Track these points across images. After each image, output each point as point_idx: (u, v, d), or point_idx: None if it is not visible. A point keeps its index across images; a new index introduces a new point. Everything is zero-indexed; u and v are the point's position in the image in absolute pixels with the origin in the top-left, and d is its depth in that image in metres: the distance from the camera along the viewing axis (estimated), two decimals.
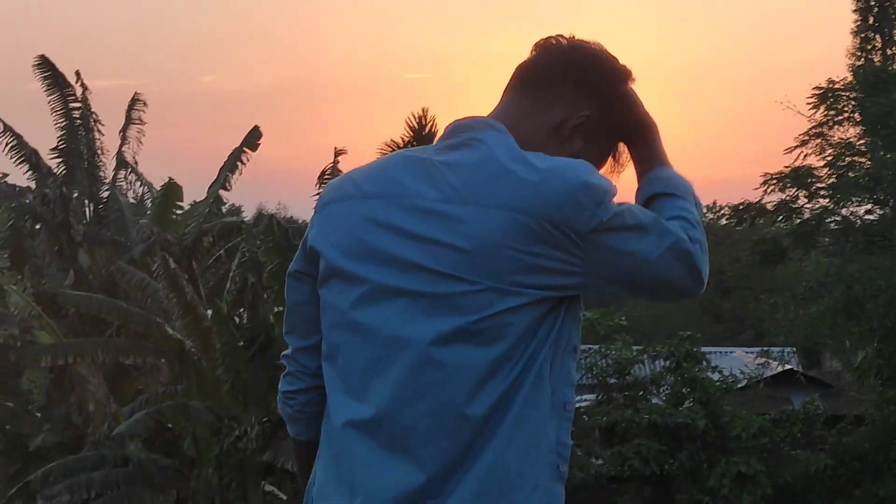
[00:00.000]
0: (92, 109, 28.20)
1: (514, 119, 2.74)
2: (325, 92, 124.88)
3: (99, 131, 28.45)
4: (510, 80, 2.85)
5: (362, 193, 2.72)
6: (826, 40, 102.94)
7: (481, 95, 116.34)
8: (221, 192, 26.85)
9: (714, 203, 63.46)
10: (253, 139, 27.06)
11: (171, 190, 26.89)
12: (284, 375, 2.99)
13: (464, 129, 2.71)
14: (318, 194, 21.41)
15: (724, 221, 48.34)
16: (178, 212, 27.28)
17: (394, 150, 32.09)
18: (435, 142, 2.77)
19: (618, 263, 2.60)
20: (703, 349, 31.61)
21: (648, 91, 2.90)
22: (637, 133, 2.90)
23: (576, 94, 2.78)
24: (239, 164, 26.74)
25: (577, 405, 31.37)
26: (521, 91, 2.82)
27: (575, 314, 2.69)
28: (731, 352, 39.91)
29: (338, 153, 23.37)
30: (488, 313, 2.53)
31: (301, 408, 2.97)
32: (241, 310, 23.22)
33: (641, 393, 29.64)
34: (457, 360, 2.55)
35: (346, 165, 23.63)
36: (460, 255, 2.53)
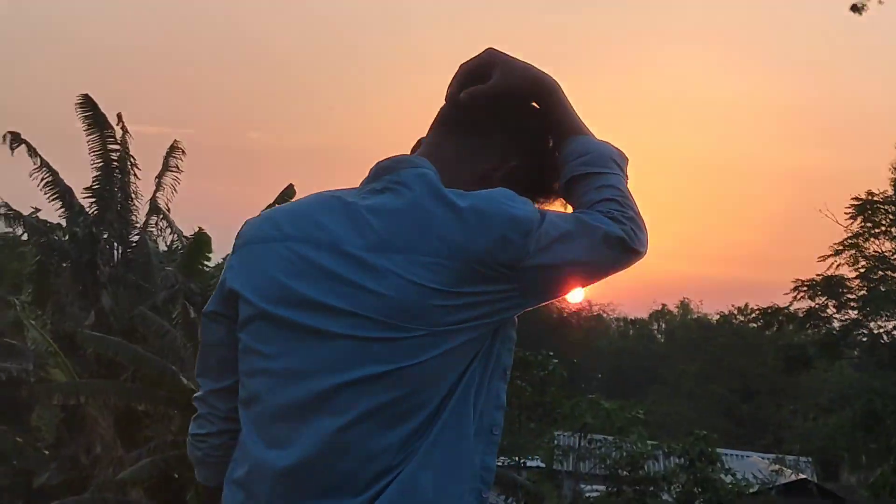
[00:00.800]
0: (130, 153, 28.27)
1: (440, 163, 2.64)
2: (362, 156, 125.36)
3: (135, 175, 28.45)
4: (439, 118, 2.76)
5: (283, 235, 2.61)
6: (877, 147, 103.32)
7: None
8: None
9: (746, 305, 63.49)
10: (287, 197, 27.05)
11: (201, 240, 26.85)
12: (195, 418, 2.88)
13: (386, 172, 2.61)
14: None
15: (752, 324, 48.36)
16: (207, 263, 27.24)
17: None
18: (360, 184, 2.67)
19: (553, 277, 2.53)
20: (720, 451, 31.39)
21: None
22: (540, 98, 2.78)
23: (507, 144, 2.72)
24: None
25: (588, 495, 31.17)
26: (449, 134, 2.74)
27: (506, 335, 2.61)
28: (748, 455, 39.56)
29: None
30: (420, 360, 2.44)
31: (211, 451, 2.86)
32: None
33: (652, 489, 29.41)
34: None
35: None
36: (388, 301, 2.44)
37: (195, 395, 2.87)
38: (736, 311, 65.29)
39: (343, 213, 2.57)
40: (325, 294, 2.51)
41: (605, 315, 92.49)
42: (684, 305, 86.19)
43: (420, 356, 2.44)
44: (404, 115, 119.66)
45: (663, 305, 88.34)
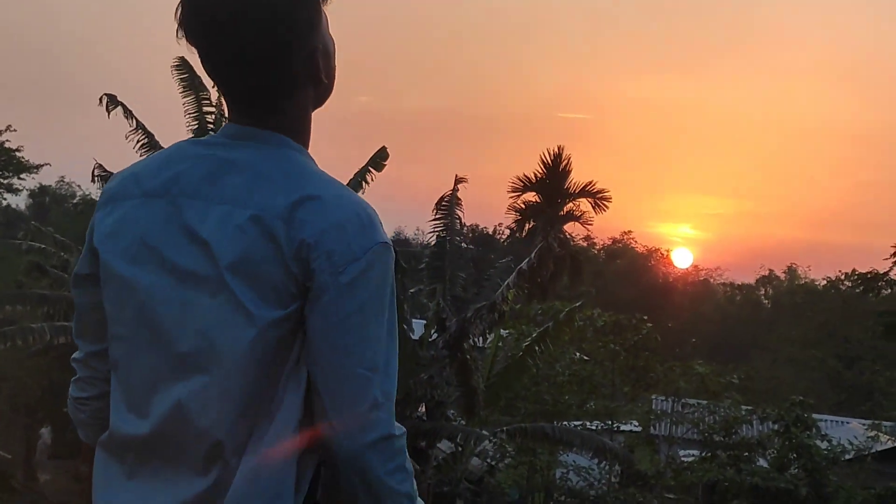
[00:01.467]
0: (225, 115, 28.49)
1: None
2: (472, 122, 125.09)
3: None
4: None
5: (142, 191, 2.56)
6: None
7: (630, 139, 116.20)
8: None
9: (853, 271, 62.49)
10: (379, 159, 27.05)
11: None
12: (75, 381, 2.82)
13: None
14: (434, 219, 21.56)
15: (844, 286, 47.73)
16: None
17: (525, 185, 31.94)
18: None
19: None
20: (818, 416, 30.99)
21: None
22: None
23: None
24: (364, 182, 26.78)
25: (683, 459, 30.97)
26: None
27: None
28: (847, 422, 38.99)
29: (458, 181, 23.31)
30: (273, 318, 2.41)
31: (94, 414, 2.80)
32: None
33: (747, 454, 29.11)
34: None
35: (465, 194, 23.58)
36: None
37: (73, 356, 2.80)
38: (843, 277, 64.45)
39: (203, 164, 2.54)
40: (179, 254, 2.47)
41: (711, 280, 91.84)
42: (791, 271, 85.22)
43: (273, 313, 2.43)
44: (506, 86, 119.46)
45: (770, 271, 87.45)
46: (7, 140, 59.99)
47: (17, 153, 60.00)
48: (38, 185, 57.48)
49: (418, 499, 2.53)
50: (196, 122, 27.77)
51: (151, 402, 2.48)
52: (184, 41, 2.53)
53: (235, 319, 2.38)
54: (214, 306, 2.40)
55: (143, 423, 2.49)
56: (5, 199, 64.48)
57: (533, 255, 22.08)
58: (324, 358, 2.40)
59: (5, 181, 60.97)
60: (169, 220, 2.49)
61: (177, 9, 2.50)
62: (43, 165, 62.95)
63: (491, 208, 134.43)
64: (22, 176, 63.35)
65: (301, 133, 2.61)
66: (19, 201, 61.71)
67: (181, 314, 2.44)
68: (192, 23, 2.48)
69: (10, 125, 61.76)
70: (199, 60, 2.53)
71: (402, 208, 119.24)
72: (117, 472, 2.56)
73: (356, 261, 2.39)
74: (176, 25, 2.52)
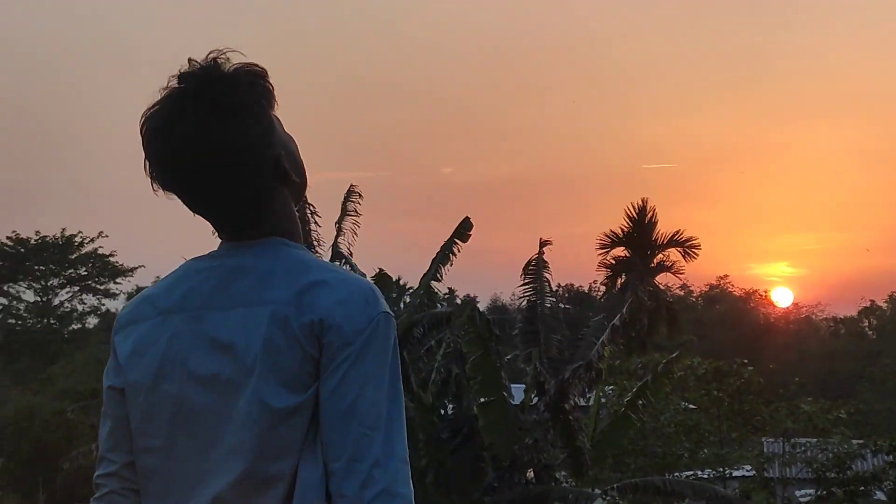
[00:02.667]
0: (309, 201, 28.77)
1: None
2: (554, 184, 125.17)
3: (316, 223, 28.98)
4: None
5: (158, 311, 2.72)
6: None
7: (720, 186, 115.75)
8: (433, 283, 27.14)
9: None
10: (464, 230, 27.22)
11: (382, 281, 27.22)
12: (102, 496, 2.84)
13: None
14: (524, 284, 21.73)
15: None
16: (392, 304, 27.52)
17: (613, 241, 31.82)
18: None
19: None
20: None
21: None
22: None
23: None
24: (450, 255, 26.96)
25: (801, 500, 30.65)
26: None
27: None
28: None
29: (543, 244, 23.49)
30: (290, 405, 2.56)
31: None
32: (447, 400, 23.35)
33: (863, 488, 28.79)
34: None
35: (552, 257, 23.72)
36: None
37: (98, 473, 2.84)
38: None
39: (213, 274, 2.72)
40: (200, 363, 2.64)
41: (813, 317, 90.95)
42: (893, 300, 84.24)
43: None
44: (588, 143, 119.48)
45: (872, 301, 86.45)
46: (100, 246, 61.14)
47: (111, 258, 61.10)
48: (134, 288, 58.47)
49: None
50: None
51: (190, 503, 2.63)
52: (161, 192, 2.70)
53: (261, 414, 2.54)
54: (242, 407, 2.56)
55: None
56: (104, 304, 65.67)
57: (624, 310, 22.16)
58: (329, 422, 2.55)
59: (102, 287, 61.98)
60: (190, 333, 2.65)
61: (144, 164, 2.68)
62: (137, 268, 63.99)
63: (585, 267, 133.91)
64: (118, 280, 64.49)
65: (291, 230, 2.78)
66: (118, 305, 62.65)
67: (211, 419, 2.61)
68: (161, 175, 2.67)
69: (101, 231, 62.90)
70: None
71: (496, 275, 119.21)
72: None
73: (363, 331, 2.55)
74: (149, 181, 2.70)
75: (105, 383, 2.80)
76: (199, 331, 2.65)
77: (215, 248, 2.78)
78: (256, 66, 2.72)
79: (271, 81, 2.74)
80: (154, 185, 2.70)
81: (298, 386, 2.55)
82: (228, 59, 2.70)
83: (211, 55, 2.68)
